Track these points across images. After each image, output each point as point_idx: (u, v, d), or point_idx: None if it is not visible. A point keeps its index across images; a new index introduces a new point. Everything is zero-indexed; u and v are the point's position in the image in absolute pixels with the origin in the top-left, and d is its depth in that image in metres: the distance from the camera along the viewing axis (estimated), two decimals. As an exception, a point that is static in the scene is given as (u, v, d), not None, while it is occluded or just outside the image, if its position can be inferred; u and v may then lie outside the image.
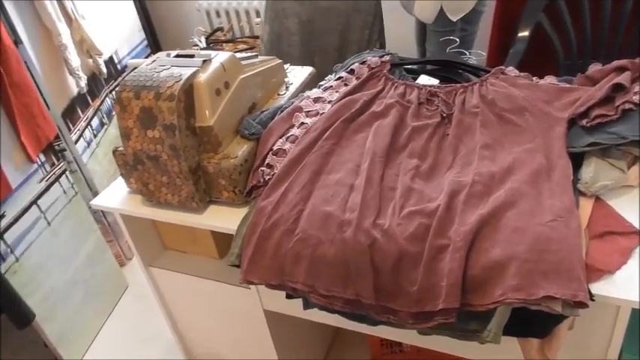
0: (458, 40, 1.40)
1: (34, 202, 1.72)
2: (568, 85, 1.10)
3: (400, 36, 2.08)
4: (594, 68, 1.09)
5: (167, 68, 1.09)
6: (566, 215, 0.86)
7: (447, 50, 1.39)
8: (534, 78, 1.15)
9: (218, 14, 2.80)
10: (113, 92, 2.27)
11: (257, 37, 2.65)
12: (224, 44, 2.66)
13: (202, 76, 1.05)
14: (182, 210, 1.13)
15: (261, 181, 1.05)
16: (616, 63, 1.05)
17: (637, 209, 0.92)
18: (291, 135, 1.11)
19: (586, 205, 0.93)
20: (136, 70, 1.11)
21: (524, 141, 1.01)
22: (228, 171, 1.06)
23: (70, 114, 1.96)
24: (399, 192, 0.94)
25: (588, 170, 0.95)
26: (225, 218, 1.09)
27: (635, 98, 0.95)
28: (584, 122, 0.99)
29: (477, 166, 0.97)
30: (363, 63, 1.27)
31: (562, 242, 0.82)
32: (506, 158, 0.98)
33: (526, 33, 1.73)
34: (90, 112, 2.10)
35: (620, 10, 1.68)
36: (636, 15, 1.68)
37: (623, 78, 0.98)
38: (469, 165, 0.99)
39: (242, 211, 1.07)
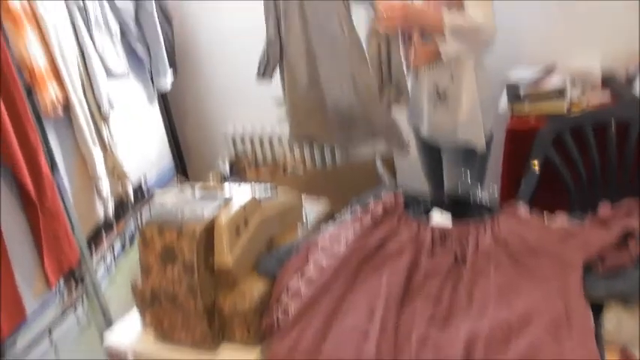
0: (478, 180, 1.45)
1: (48, 330, 1.71)
2: (579, 227, 1.11)
3: (411, 165, 2.16)
4: (604, 209, 1.10)
5: (190, 206, 1.14)
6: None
7: (463, 179, 1.41)
8: (545, 215, 1.16)
9: (243, 141, 2.96)
10: (138, 217, 2.34)
11: (278, 164, 2.78)
12: (247, 169, 2.78)
13: (223, 217, 1.10)
14: (195, 348, 1.12)
15: (275, 324, 1.05)
16: (625, 205, 1.07)
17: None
18: (306, 275, 1.12)
19: (612, 356, 0.89)
20: (160, 207, 1.17)
21: (540, 285, 1.01)
22: (244, 312, 1.06)
23: (94, 238, 2.02)
24: (414, 341, 0.93)
25: (610, 318, 0.93)
26: (238, 358, 1.07)
27: (649, 246, 0.96)
28: (599, 269, 0.99)
29: (493, 313, 0.96)
30: (377, 200, 1.31)
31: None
32: (522, 304, 0.97)
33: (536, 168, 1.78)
34: (113, 235, 2.16)
35: (625, 147, 1.73)
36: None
37: (633, 224, 0.99)
38: (485, 310, 0.98)
39: (255, 351, 1.05)
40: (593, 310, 0.95)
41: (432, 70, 1.81)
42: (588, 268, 1.01)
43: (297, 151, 2.81)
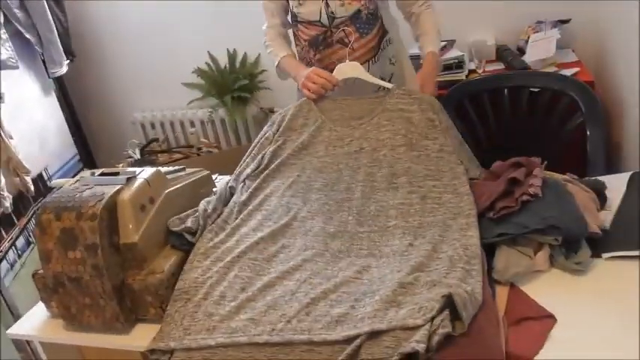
0: None
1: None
2: (475, 181, 1.20)
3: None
4: (495, 165, 1.20)
5: (90, 187, 1.09)
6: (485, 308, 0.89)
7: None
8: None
9: (153, 126, 2.87)
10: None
11: (191, 147, 2.72)
12: (159, 155, 2.70)
13: (126, 194, 1.06)
14: (107, 332, 1.08)
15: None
16: (513, 160, 1.16)
17: (548, 293, 0.97)
18: None
19: (502, 293, 0.97)
20: (58, 191, 1.11)
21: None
22: (154, 287, 1.04)
23: (-8, 235, 1.89)
24: None
25: (500, 259, 1.01)
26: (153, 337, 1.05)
27: (531, 190, 1.04)
28: (491, 215, 1.07)
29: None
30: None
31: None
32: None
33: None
34: (15, 231, 2.02)
35: (517, 110, 1.86)
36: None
37: (519, 173, 1.08)
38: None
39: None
40: (487, 252, 1.03)
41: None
42: (482, 215, 1.09)
43: (210, 133, 2.77)
